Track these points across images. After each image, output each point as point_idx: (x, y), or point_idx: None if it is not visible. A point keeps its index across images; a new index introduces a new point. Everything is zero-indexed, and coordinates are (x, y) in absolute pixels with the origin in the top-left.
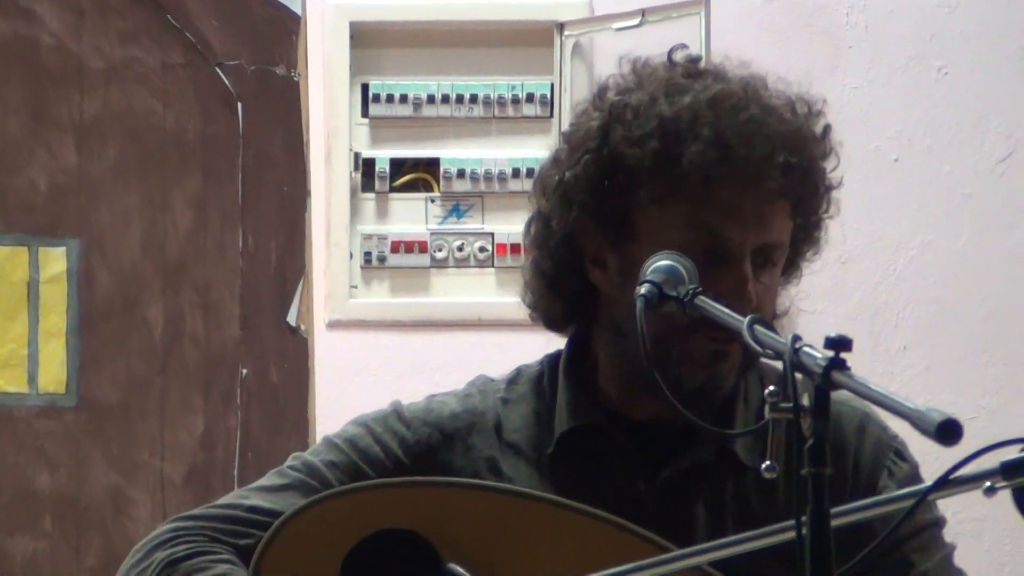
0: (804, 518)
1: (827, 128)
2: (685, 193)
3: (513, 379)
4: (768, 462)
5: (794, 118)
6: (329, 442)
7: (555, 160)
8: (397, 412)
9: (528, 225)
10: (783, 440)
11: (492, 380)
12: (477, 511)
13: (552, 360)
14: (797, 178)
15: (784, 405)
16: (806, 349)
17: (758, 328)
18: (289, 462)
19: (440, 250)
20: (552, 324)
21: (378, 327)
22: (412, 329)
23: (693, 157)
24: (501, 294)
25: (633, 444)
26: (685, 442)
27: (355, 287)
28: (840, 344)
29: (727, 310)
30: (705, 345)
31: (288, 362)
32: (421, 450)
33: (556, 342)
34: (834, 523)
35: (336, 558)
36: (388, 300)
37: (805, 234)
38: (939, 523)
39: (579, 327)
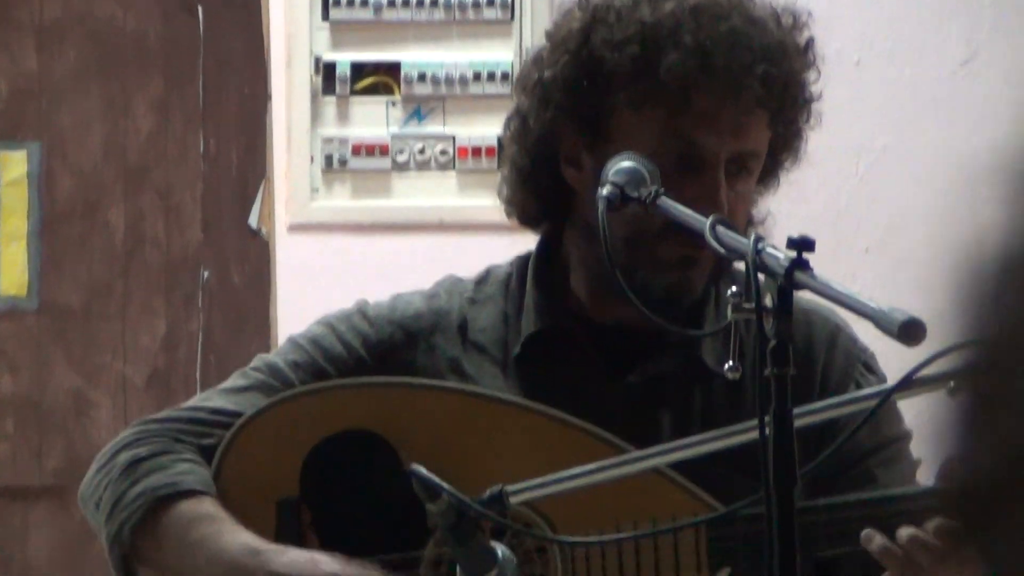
0: (767, 419)
1: (810, 40)
2: (662, 100)
3: (482, 279)
4: (731, 362)
5: (777, 29)
6: (293, 342)
7: (536, 58)
8: (361, 311)
9: (507, 121)
10: (747, 340)
11: (461, 280)
12: (438, 412)
13: (522, 261)
14: (777, 89)
15: (747, 305)
16: (769, 249)
17: (720, 228)
18: (253, 363)
19: (401, 153)
20: (526, 220)
21: (339, 230)
22: (373, 232)
23: (672, 64)
24: (463, 197)
25: (600, 349)
26: (652, 349)
27: (316, 190)
28: (803, 245)
29: (689, 211)
30: (675, 249)
31: (250, 265)
32: (384, 349)
33: (518, 246)
34: (797, 423)
35: (297, 458)
36: (349, 203)
37: (784, 143)
38: (904, 438)
39: (552, 227)
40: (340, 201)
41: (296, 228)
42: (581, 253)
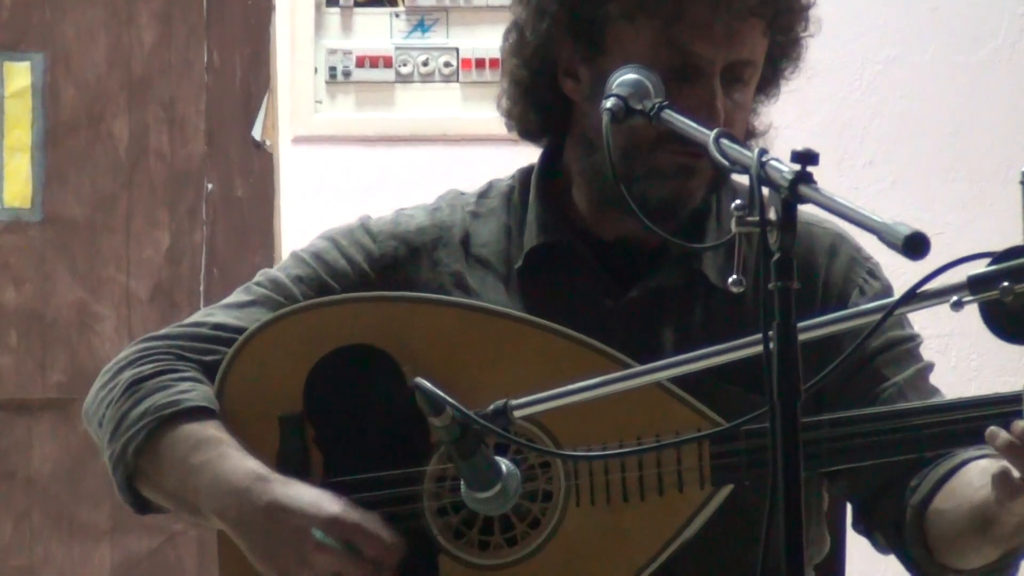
0: (771, 332)
1: None
2: (655, 9)
3: (484, 192)
4: (735, 276)
5: None
6: (296, 256)
7: None
8: (364, 226)
9: (506, 34)
10: (750, 254)
11: (463, 194)
12: (441, 326)
13: (524, 174)
14: None
15: (751, 218)
16: (772, 163)
17: (724, 141)
18: (256, 278)
19: (405, 65)
20: (526, 134)
21: (343, 142)
22: (377, 144)
23: None
24: (466, 109)
25: (601, 262)
26: (654, 262)
27: (320, 102)
28: (807, 158)
29: (693, 124)
30: (672, 159)
31: (253, 177)
32: (387, 263)
33: (522, 158)
34: (802, 337)
35: (300, 372)
36: (353, 115)
37: (782, 51)
38: (913, 339)
39: (552, 140)
40: (344, 113)
41: (300, 140)
42: (581, 166)
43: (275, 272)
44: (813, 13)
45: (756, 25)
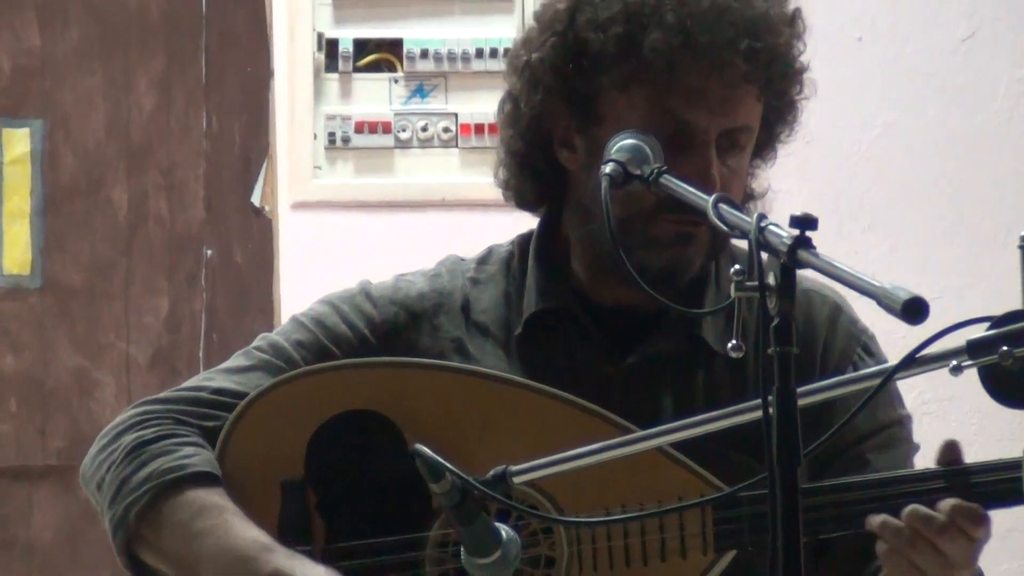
0: (771, 397)
1: (797, 11)
2: (648, 79)
3: (483, 259)
4: (734, 341)
5: (761, 2)
6: (296, 321)
7: (525, 40)
8: (365, 291)
9: (501, 104)
10: (749, 319)
11: (462, 260)
12: (442, 392)
13: (523, 241)
14: (763, 63)
15: (750, 283)
16: (771, 227)
17: (723, 207)
18: (256, 343)
19: (404, 130)
20: (523, 203)
21: (342, 208)
22: (376, 210)
23: (655, 43)
24: (465, 174)
25: (601, 328)
26: (653, 328)
27: (319, 168)
28: (806, 223)
29: (692, 189)
30: (670, 227)
31: (252, 243)
32: (388, 329)
33: (521, 223)
34: (801, 402)
35: (301, 438)
36: (352, 181)
37: (778, 116)
38: (902, 422)
39: (550, 208)
40: (343, 179)
41: (299, 206)
42: (579, 234)
43: (275, 336)
44: (808, 76)
45: (750, 91)
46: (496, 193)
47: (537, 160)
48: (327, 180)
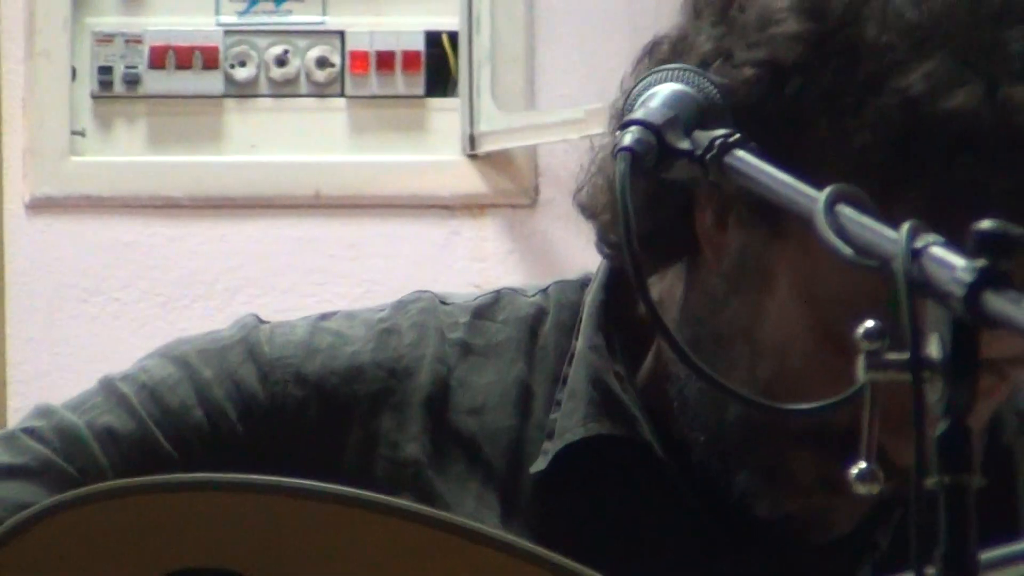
0: (931, 569)
1: None
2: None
3: (485, 309)
4: (861, 464)
5: None
6: (109, 388)
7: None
8: (248, 343)
9: (651, 48)
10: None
11: (444, 303)
12: (369, 552)
13: (567, 295)
14: None
15: (893, 357)
16: (934, 249)
17: (843, 210)
18: (31, 421)
19: (243, 64)
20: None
21: (123, 208)
22: (190, 213)
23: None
24: (359, 146)
25: (701, 491)
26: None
27: (80, 134)
28: (997, 241)
29: (800, 184)
30: (814, 465)
31: None
32: (277, 422)
33: (457, 236)
34: None
35: None
36: (143, 158)
37: None
38: None
39: (656, 263)
40: (125, 154)
41: (40, 205)
42: (693, 326)
43: (67, 414)
44: None
45: None
46: (416, 183)
47: (667, 207)
48: (95, 157)
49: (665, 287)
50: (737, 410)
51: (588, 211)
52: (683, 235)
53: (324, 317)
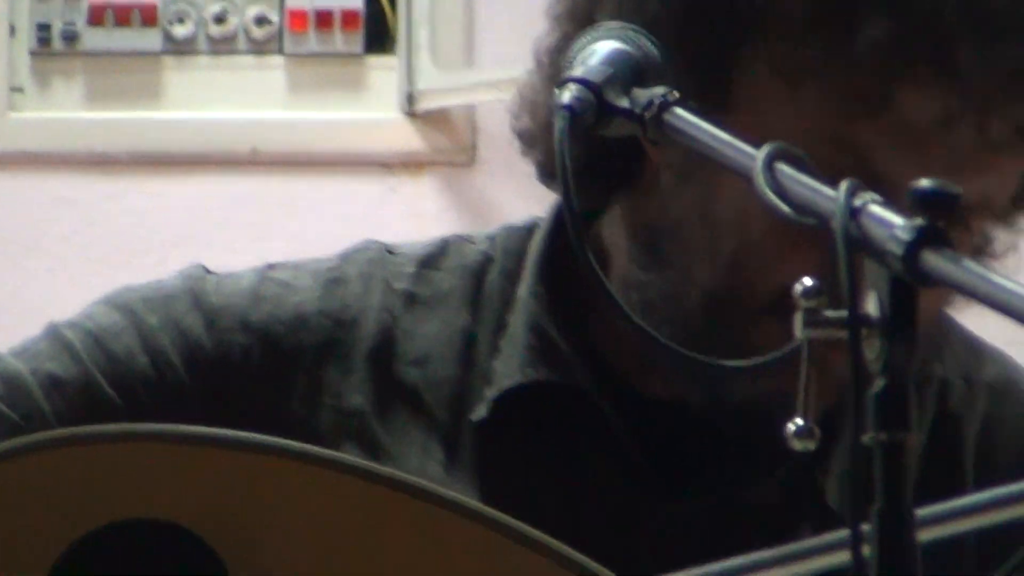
0: (865, 523)
1: None
2: (848, 80)
3: (432, 258)
4: (798, 421)
5: None
6: (54, 335)
7: None
8: (194, 292)
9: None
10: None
11: (391, 253)
12: (314, 506)
13: (513, 243)
14: None
15: (831, 314)
16: (873, 208)
17: (781, 167)
18: None
19: (181, 21)
20: (547, 177)
21: (62, 165)
22: (127, 168)
23: (888, 30)
24: (296, 104)
25: (642, 436)
26: (738, 451)
27: (19, 90)
28: (936, 201)
29: (738, 142)
30: (776, 334)
31: None
32: (223, 371)
33: (407, 202)
34: (930, 533)
35: (39, 563)
36: (81, 115)
37: None
38: None
39: (593, 198)
40: (63, 111)
41: None
42: (630, 271)
43: (12, 361)
44: None
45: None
46: (357, 140)
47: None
48: (33, 113)
49: (610, 235)
50: (698, 294)
51: (525, 140)
52: (624, 164)
53: (272, 267)
